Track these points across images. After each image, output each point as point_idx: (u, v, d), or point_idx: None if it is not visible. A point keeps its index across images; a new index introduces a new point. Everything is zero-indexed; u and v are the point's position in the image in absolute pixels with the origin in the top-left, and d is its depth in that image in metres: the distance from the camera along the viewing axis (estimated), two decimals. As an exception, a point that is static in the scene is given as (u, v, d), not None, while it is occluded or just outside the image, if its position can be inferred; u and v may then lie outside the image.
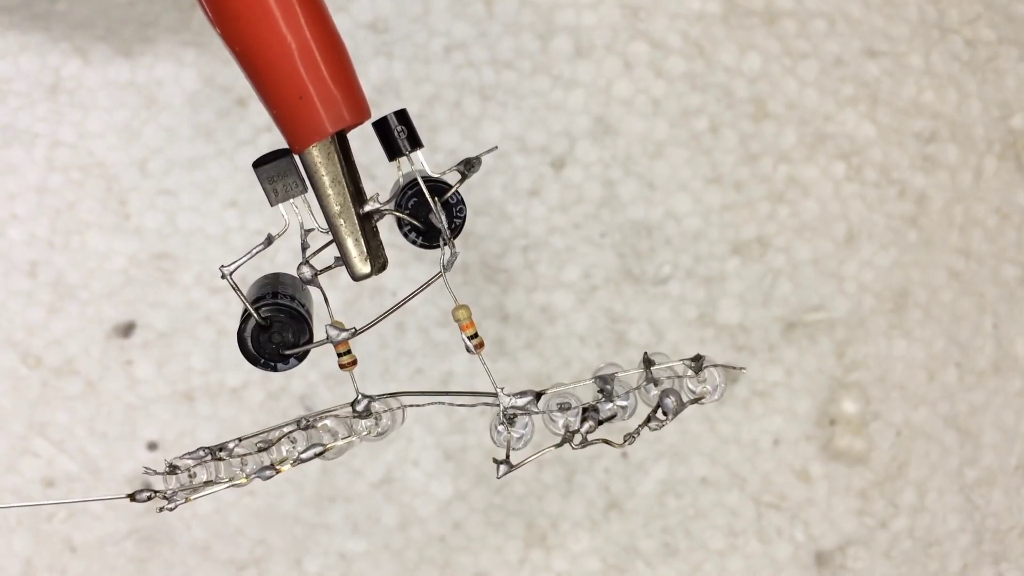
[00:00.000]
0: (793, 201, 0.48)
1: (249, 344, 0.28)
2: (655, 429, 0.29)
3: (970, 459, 0.50)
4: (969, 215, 0.49)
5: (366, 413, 0.29)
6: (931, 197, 0.49)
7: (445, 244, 0.28)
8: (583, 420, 0.29)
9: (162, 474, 0.29)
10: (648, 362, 0.29)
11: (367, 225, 0.28)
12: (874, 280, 0.49)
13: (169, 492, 0.29)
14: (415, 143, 0.28)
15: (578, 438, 0.29)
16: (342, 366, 0.29)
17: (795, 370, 0.48)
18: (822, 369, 0.48)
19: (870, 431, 0.49)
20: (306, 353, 0.28)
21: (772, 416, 0.48)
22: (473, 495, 0.47)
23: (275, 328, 0.28)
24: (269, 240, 0.28)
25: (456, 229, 0.28)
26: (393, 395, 0.30)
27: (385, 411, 0.29)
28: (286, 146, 0.28)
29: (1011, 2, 0.49)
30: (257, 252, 0.28)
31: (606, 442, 0.29)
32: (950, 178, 0.49)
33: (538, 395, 0.29)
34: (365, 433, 0.29)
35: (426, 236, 0.28)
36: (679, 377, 0.29)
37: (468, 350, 0.28)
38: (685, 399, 0.29)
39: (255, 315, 0.28)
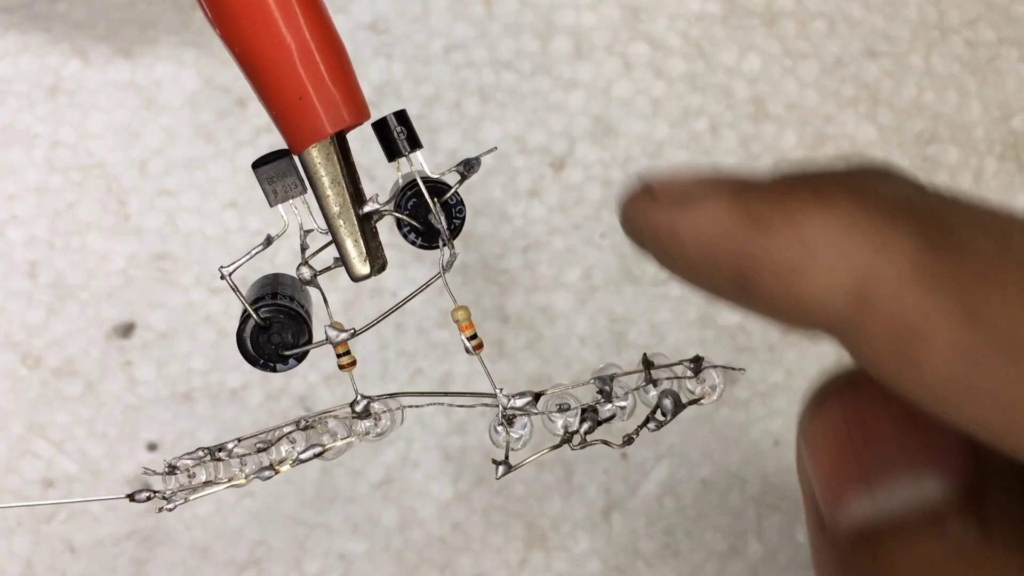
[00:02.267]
0: (793, 202, 0.48)
1: (248, 345, 0.28)
2: (654, 430, 0.29)
3: (970, 460, 0.50)
4: (969, 216, 0.49)
5: (365, 414, 0.29)
6: (931, 198, 0.49)
7: (444, 245, 0.28)
8: (582, 421, 0.29)
9: (161, 474, 0.29)
10: (647, 363, 0.29)
11: (366, 226, 0.28)
12: (874, 281, 0.49)
13: (168, 492, 0.29)
14: (414, 144, 0.28)
15: (577, 439, 0.29)
16: (341, 367, 0.29)
17: (796, 371, 0.48)
18: (823, 370, 0.48)
19: (870, 432, 0.49)
20: (305, 354, 0.28)
21: (773, 417, 0.48)
22: (473, 496, 0.47)
23: (274, 329, 0.28)
24: (268, 241, 0.28)
25: (455, 230, 0.28)
26: (392, 396, 0.30)
27: (384, 412, 0.29)
28: (286, 147, 0.28)
29: (1011, 3, 0.49)
30: (256, 253, 0.28)
31: (605, 443, 0.29)
32: (950, 179, 0.49)
33: (537, 396, 0.29)
34: (364, 434, 0.29)
35: (425, 237, 0.28)
36: (678, 378, 0.29)
37: (467, 351, 0.28)
38: (684, 400, 0.29)
39: (254, 316, 0.28)
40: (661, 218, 0.20)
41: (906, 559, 0.17)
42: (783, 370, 0.48)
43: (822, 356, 0.48)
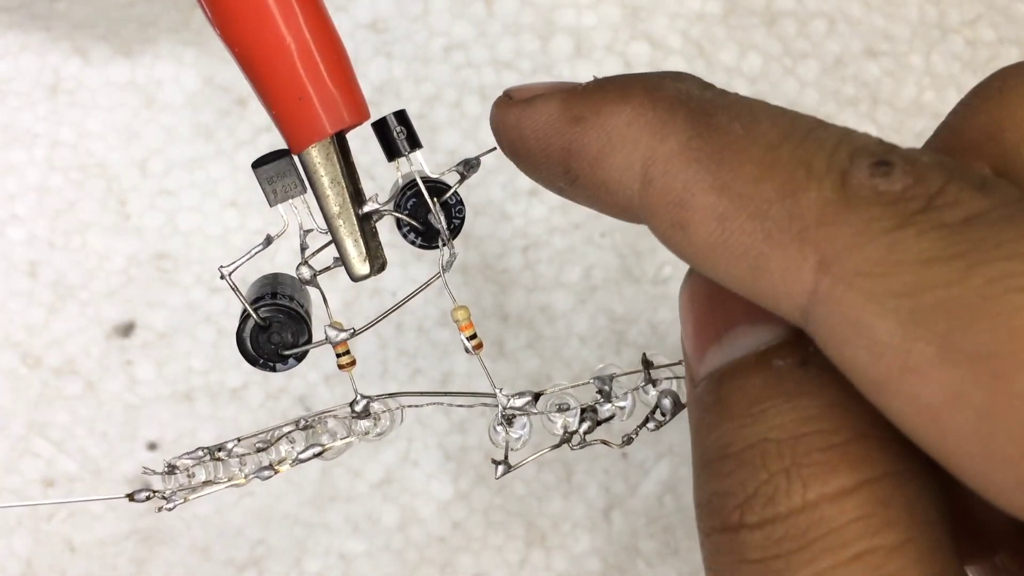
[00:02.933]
0: (793, 201, 0.48)
1: (248, 344, 0.28)
2: (654, 430, 0.29)
3: (970, 460, 0.50)
4: (969, 215, 0.49)
5: (365, 413, 0.29)
6: (931, 197, 0.49)
7: (444, 245, 0.28)
8: (581, 421, 0.29)
9: (161, 474, 0.29)
10: (647, 363, 0.29)
11: (366, 226, 0.28)
12: (874, 280, 0.49)
13: (168, 492, 0.29)
14: (414, 144, 0.28)
15: (576, 439, 0.29)
16: (341, 367, 0.29)
17: (795, 370, 0.48)
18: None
19: (870, 431, 0.49)
20: (305, 353, 0.28)
21: (772, 416, 0.48)
22: (473, 495, 0.47)
23: (274, 328, 0.28)
24: (268, 241, 0.28)
25: (455, 230, 0.28)
26: (392, 395, 0.30)
27: (384, 411, 0.29)
28: (285, 146, 0.28)
29: (1011, 2, 0.49)
30: (256, 252, 0.28)
31: (604, 443, 0.29)
32: (950, 178, 0.49)
33: (537, 396, 0.29)
34: (364, 433, 0.29)
35: (425, 236, 0.28)
36: (678, 378, 0.29)
37: (467, 351, 0.28)
38: (683, 399, 0.29)
39: (254, 315, 0.28)
40: (511, 118, 0.24)
41: (738, 388, 0.21)
42: (783, 370, 0.48)
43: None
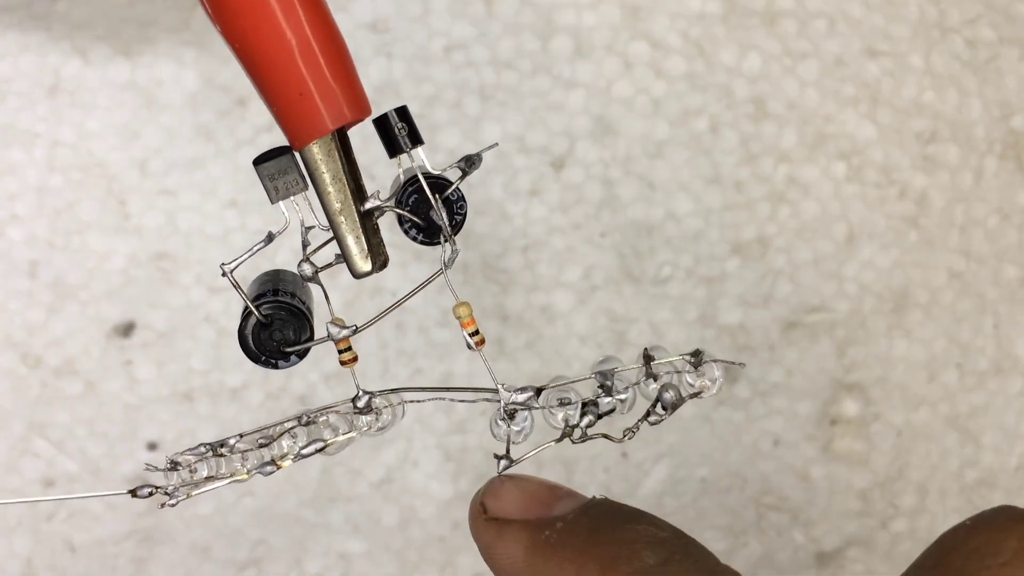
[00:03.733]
0: (793, 201, 0.48)
1: (250, 342, 0.28)
2: (654, 423, 0.29)
3: (970, 460, 0.50)
4: (970, 215, 0.49)
5: (367, 409, 0.29)
6: (932, 197, 0.49)
7: (446, 241, 0.28)
8: (582, 415, 0.29)
9: (163, 470, 0.29)
10: (647, 357, 0.29)
11: (368, 222, 0.28)
12: (874, 280, 0.49)
13: (170, 488, 0.29)
14: (416, 140, 0.28)
15: (577, 432, 0.29)
16: (343, 363, 0.29)
17: (796, 371, 0.48)
18: (823, 370, 0.48)
19: (871, 432, 0.49)
20: (307, 350, 0.28)
21: (773, 417, 0.48)
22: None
23: (276, 326, 0.28)
24: (270, 238, 0.28)
25: (457, 226, 0.28)
26: (394, 391, 0.30)
27: (386, 407, 0.29)
28: (287, 144, 0.28)
29: (1011, 2, 0.49)
30: (258, 250, 0.28)
31: (605, 436, 0.29)
32: (951, 178, 0.49)
33: (538, 391, 0.29)
34: (365, 429, 0.29)
35: (427, 233, 0.28)
36: (678, 372, 0.29)
37: (469, 347, 0.28)
38: (684, 393, 0.29)
39: (256, 312, 0.28)
40: (483, 539, 0.29)
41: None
42: (783, 369, 0.48)
43: (822, 356, 0.48)
